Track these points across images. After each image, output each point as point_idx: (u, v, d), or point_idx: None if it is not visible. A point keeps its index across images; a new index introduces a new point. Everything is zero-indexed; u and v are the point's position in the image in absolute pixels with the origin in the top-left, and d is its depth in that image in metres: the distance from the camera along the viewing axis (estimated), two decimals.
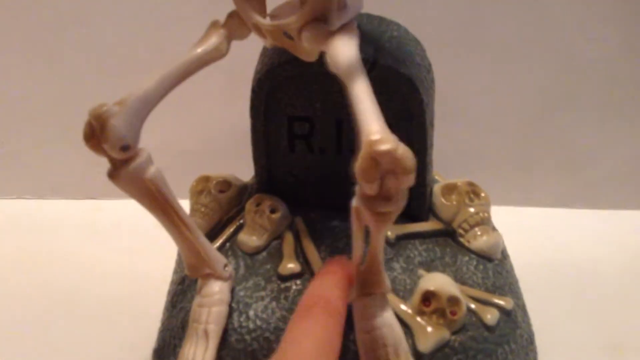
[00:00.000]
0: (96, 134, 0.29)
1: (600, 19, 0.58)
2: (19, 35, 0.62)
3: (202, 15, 0.58)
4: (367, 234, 0.29)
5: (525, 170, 0.62)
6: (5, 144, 0.65)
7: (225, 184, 0.42)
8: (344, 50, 0.29)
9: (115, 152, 0.29)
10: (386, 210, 0.27)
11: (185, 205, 0.36)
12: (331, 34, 0.31)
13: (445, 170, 0.48)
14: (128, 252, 0.55)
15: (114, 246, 0.56)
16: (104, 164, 0.64)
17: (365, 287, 0.31)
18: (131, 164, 0.30)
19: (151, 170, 0.31)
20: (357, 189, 0.27)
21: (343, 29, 0.31)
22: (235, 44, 0.34)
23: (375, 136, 0.26)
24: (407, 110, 0.36)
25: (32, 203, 0.64)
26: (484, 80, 0.60)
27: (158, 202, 0.32)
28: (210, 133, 0.63)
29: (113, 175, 0.30)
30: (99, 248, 0.56)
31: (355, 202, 0.28)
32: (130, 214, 0.47)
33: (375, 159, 0.26)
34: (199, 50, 0.32)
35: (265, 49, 0.39)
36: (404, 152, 0.26)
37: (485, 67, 0.60)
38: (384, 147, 0.26)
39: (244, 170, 0.44)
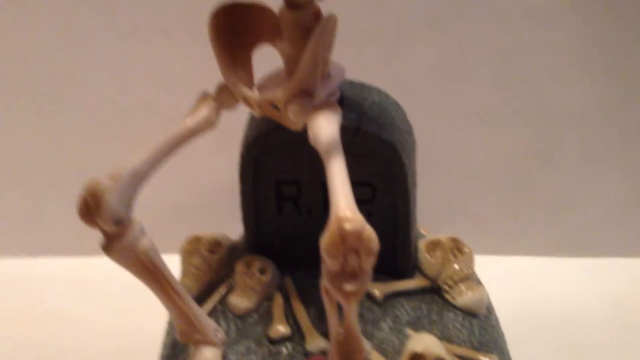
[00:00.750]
0: (91, 209, 0.30)
1: (577, 75, 0.60)
2: (13, 94, 0.63)
3: (193, 75, 0.60)
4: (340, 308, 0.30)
5: (509, 219, 0.63)
6: None
7: (215, 244, 0.43)
8: (324, 129, 0.30)
9: (110, 226, 0.30)
10: (351, 290, 0.28)
11: (175, 260, 0.36)
12: (315, 108, 0.32)
13: (431, 220, 0.49)
14: (119, 310, 0.55)
15: (105, 304, 0.56)
16: None
17: (347, 358, 0.31)
18: (124, 236, 0.31)
19: (144, 242, 0.31)
20: (322, 267, 0.28)
21: (326, 104, 0.32)
22: None
23: (343, 214, 0.27)
24: (390, 173, 0.37)
25: (22, 261, 0.63)
26: (467, 133, 0.61)
27: (150, 272, 0.32)
28: (200, 187, 0.64)
29: (107, 248, 0.31)
30: (90, 305, 0.56)
31: (323, 282, 0.29)
32: (121, 272, 0.48)
33: (342, 236, 0.27)
34: (190, 122, 0.33)
35: (252, 115, 0.40)
36: (370, 233, 0.27)
37: (467, 121, 0.61)
38: (351, 226, 0.27)
39: (234, 224, 0.44)
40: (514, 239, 0.63)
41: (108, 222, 0.30)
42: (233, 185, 0.41)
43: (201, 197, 0.63)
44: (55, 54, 0.61)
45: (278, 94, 0.32)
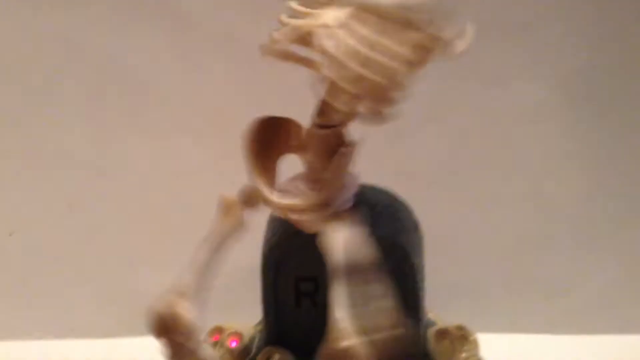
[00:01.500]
0: (169, 327, 0.33)
1: (570, 165, 0.64)
2: (39, 184, 0.66)
3: (212, 168, 0.63)
4: None
5: (510, 299, 0.65)
6: (25, 285, 0.67)
7: (236, 335, 0.45)
8: (336, 248, 0.34)
9: (186, 340, 0.33)
10: None
11: None
12: (331, 216, 0.35)
13: (437, 302, 0.51)
14: None
15: None
16: (118, 303, 0.66)
17: None
18: (190, 344, 0.34)
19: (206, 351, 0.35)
20: None
21: (341, 213, 0.35)
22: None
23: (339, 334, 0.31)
24: (401, 272, 0.39)
25: (51, 343, 0.65)
26: (469, 219, 0.64)
27: None
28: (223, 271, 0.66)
29: (174, 356, 0.34)
30: None
31: None
32: (145, 351, 0.50)
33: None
34: (225, 229, 0.36)
35: (274, 215, 0.43)
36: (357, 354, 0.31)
37: (468, 207, 0.64)
38: (345, 343, 0.30)
39: (254, 307, 0.46)
40: (515, 317, 0.64)
41: (183, 336, 0.33)
42: (253, 269, 0.44)
43: (224, 279, 0.66)
44: (84, 149, 0.65)
45: (297, 202, 0.35)
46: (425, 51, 0.32)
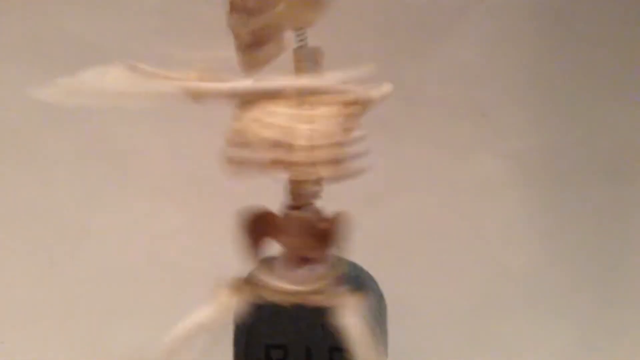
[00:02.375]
0: None
1: (524, 236, 0.66)
2: (23, 241, 0.66)
3: (192, 230, 0.65)
4: None
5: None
6: (4, 339, 0.66)
7: None
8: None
9: None
10: None
11: None
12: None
13: None
14: None
15: None
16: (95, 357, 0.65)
17: None
18: None
19: None
20: None
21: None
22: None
23: None
24: None
25: None
26: (433, 287, 0.65)
27: None
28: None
29: None
30: None
31: None
32: None
33: None
34: (210, 312, 0.38)
35: None
36: None
37: (431, 279, 0.65)
38: None
39: None
40: None
41: None
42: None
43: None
44: (69, 211, 0.65)
45: (303, 288, 0.37)
46: (354, 109, 0.35)
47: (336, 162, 0.35)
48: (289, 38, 0.36)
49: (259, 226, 0.39)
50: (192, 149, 0.65)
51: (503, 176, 0.66)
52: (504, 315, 0.66)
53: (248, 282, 0.39)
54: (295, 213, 0.38)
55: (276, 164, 0.34)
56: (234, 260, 0.48)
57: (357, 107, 0.35)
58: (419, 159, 0.65)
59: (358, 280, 0.44)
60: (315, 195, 0.38)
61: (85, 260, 0.66)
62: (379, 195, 0.64)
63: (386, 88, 0.36)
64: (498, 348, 0.66)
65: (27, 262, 0.66)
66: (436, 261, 0.66)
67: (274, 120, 0.34)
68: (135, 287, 0.66)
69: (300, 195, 0.38)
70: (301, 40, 0.36)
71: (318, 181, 0.37)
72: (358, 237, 0.53)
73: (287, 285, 0.38)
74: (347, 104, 0.35)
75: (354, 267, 0.46)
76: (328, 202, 0.39)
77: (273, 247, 0.40)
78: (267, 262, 0.39)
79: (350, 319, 0.36)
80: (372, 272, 0.48)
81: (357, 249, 0.47)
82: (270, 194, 0.39)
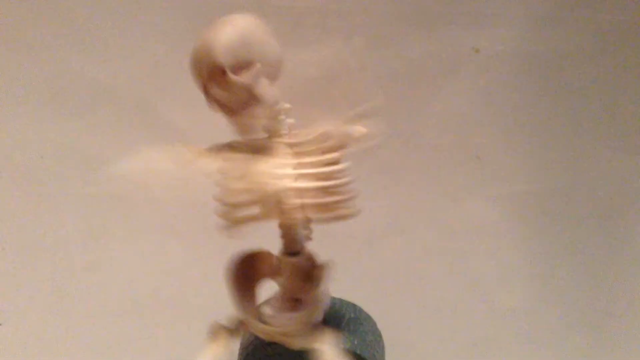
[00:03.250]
0: None
1: (518, 276, 0.67)
2: (32, 276, 0.67)
3: (195, 266, 0.66)
4: None
5: None
6: None
7: None
8: None
9: None
10: None
11: None
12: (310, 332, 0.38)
13: None
14: None
15: None
16: None
17: None
18: None
19: None
20: None
21: (318, 330, 0.39)
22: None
23: None
24: None
25: None
26: (429, 325, 0.67)
27: None
28: None
29: None
30: None
31: None
32: None
33: None
34: (212, 354, 0.40)
35: None
36: None
37: (425, 313, 0.66)
38: None
39: None
40: None
41: None
42: None
43: None
44: (77, 247, 0.67)
45: (285, 329, 0.39)
46: (341, 148, 0.37)
47: (323, 206, 0.36)
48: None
49: (255, 266, 0.40)
50: (196, 191, 0.67)
51: (497, 218, 0.67)
52: (499, 354, 0.67)
53: (242, 322, 0.40)
54: (289, 259, 0.39)
55: (266, 215, 0.36)
56: None
57: (338, 150, 0.37)
58: (417, 201, 0.66)
59: (356, 321, 0.45)
60: (306, 238, 0.40)
61: (92, 294, 0.67)
62: (377, 236, 0.65)
63: (362, 128, 0.38)
64: None
65: (36, 295, 0.67)
66: (433, 301, 0.67)
67: (259, 175, 0.36)
68: (140, 322, 0.67)
69: (293, 240, 0.40)
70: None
71: (307, 225, 0.39)
72: (357, 276, 0.55)
73: (271, 327, 0.39)
74: (328, 149, 0.37)
75: (353, 308, 0.47)
76: (328, 241, 0.41)
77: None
78: (263, 302, 0.41)
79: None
80: (370, 311, 0.49)
81: (357, 288, 0.49)
82: (273, 234, 0.41)
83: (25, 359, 0.67)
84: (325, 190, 0.36)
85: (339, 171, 0.37)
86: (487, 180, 0.67)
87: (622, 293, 0.68)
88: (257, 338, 0.44)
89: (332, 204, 0.37)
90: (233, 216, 0.37)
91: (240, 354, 0.44)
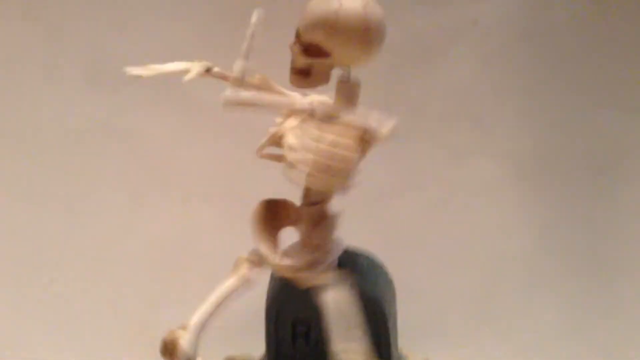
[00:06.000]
0: (170, 351, 0.40)
1: (517, 228, 0.71)
2: (77, 239, 0.72)
3: (221, 226, 0.70)
4: None
5: (469, 337, 0.70)
6: (62, 322, 0.72)
7: None
8: (326, 299, 0.42)
9: None
10: None
11: None
12: (320, 274, 0.43)
13: (409, 341, 0.56)
14: None
15: None
16: (139, 338, 0.70)
17: None
18: None
19: None
20: None
21: (329, 272, 0.43)
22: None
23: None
24: (375, 319, 0.46)
25: None
26: (436, 273, 0.71)
27: None
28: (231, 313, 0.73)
29: None
30: None
31: None
32: None
33: None
34: (232, 282, 0.43)
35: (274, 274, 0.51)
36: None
37: (435, 264, 0.70)
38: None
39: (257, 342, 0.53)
40: (473, 352, 0.69)
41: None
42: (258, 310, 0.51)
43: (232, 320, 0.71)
44: (116, 211, 0.72)
45: (293, 263, 0.43)
46: (365, 142, 0.41)
47: (324, 181, 0.41)
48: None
49: (278, 214, 0.44)
50: (225, 156, 0.71)
51: (498, 175, 0.70)
52: (502, 299, 0.71)
53: (260, 257, 0.44)
54: (308, 208, 0.43)
55: (293, 167, 0.41)
56: None
57: (368, 142, 0.41)
58: (423, 161, 0.70)
59: (368, 267, 0.49)
60: (324, 198, 0.44)
61: (129, 253, 0.72)
62: (388, 193, 0.69)
63: (391, 128, 0.42)
64: (497, 328, 0.70)
65: (80, 257, 0.72)
66: (440, 251, 0.70)
67: (300, 133, 0.40)
68: (172, 277, 0.72)
69: (310, 196, 0.44)
70: (345, 74, 0.42)
71: (322, 190, 0.43)
72: (369, 230, 0.58)
73: (279, 261, 0.43)
74: (361, 138, 0.41)
75: (366, 256, 0.50)
76: (342, 198, 0.44)
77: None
78: (289, 247, 0.45)
79: (330, 295, 0.41)
80: (383, 261, 0.52)
81: (368, 241, 0.52)
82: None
83: (73, 315, 0.72)
84: (329, 168, 0.40)
85: (348, 158, 0.40)
86: (488, 141, 0.70)
87: (616, 241, 0.71)
88: (280, 284, 0.48)
89: (333, 181, 0.41)
90: (270, 154, 0.43)
91: (268, 297, 0.49)
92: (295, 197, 0.45)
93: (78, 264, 0.73)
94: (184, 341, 0.40)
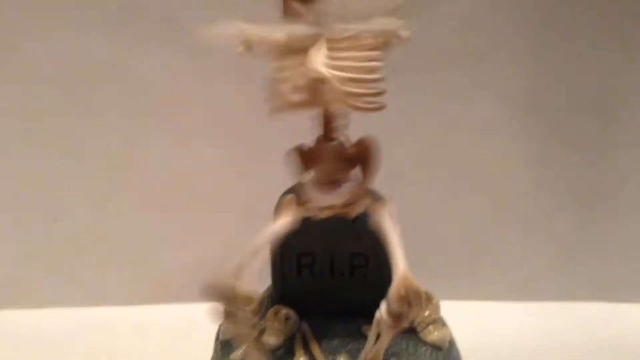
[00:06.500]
0: (229, 296, 0.40)
1: (515, 166, 0.71)
2: (79, 178, 0.72)
3: (222, 164, 0.70)
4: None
5: (468, 273, 0.72)
6: (66, 262, 0.74)
7: (249, 299, 0.53)
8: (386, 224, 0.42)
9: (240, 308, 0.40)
10: (403, 325, 0.39)
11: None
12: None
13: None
14: (174, 349, 0.63)
15: (159, 345, 0.65)
16: (144, 276, 0.72)
17: None
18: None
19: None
20: (383, 306, 0.39)
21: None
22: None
23: (406, 274, 0.39)
24: (379, 247, 0.44)
25: (87, 310, 0.72)
26: (435, 207, 0.72)
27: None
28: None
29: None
30: (147, 347, 0.65)
31: (379, 315, 0.39)
32: (170, 318, 0.56)
33: (406, 289, 0.38)
34: (284, 222, 0.43)
35: None
36: (420, 291, 0.38)
37: (435, 197, 0.71)
38: (413, 284, 0.38)
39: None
40: (472, 287, 0.72)
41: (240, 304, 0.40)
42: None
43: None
44: (118, 150, 0.72)
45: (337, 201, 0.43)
46: (385, 45, 0.39)
47: (363, 96, 0.38)
48: None
49: (304, 158, 0.43)
50: (226, 93, 0.70)
51: (498, 113, 0.70)
52: (497, 233, 0.72)
53: (306, 198, 0.43)
54: (329, 144, 0.42)
55: (311, 102, 0.38)
56: (260, 190, 0.53)
57: (382, 48, 0.39)
58: (423, 100, 0.69)
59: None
60: (343, 127, 0.43)
61: (131, 191, 0.73)
62: (388, 133, 0.68)
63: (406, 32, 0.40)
64: (494, 264, 0.72)
65: (82, 195, 0.73)
66: (438, 188, 0.71)
67: (310, 62, 0.38)
68: (174, 215, 0.73)
69: (330, 128, 0.42)
70: None
71: (346, 114, 0.42)
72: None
73: (326, 202, 0.42)
74: (374, 46, 0.39)
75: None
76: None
77: None
78: (300, 186, 0.44)
79: (382, 222, 0.41)
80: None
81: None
82: (294, 133, 0.44)
83: (77, 247, 0.73)
84: (356, 82, 0.38)
85: (372, 68, 0.38)
86: (489, 79, 0.69)
87: (614, 179, 0.72)
88: None
89: (370, 95, 0.38)
90: (278, 98, 0.39)
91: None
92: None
93: (81, 203, 0.73)
94: (245, 285, 0.40)
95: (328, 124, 0.43)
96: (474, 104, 0.70)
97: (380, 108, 0.39)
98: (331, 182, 0.43)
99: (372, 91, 0.38)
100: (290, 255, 0.50)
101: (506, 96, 0.70)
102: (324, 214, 0.44)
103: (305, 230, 0.47)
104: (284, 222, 0.43)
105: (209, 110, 0.71)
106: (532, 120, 0.71)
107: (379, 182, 0.52)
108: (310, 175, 0.44)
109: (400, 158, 0.70)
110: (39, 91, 0.70)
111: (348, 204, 0.43)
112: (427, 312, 0.51)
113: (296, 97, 0.38)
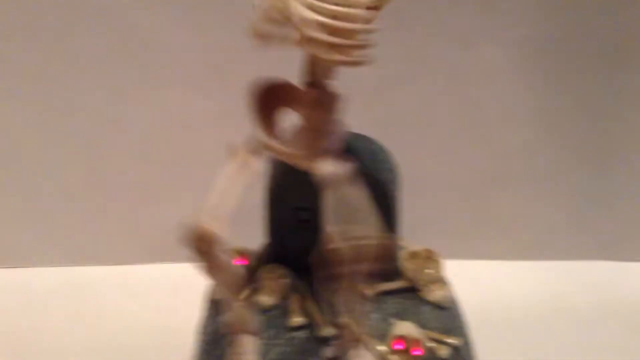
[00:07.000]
0: (206, 241, 0.38)
1: (521, 118, 0.69)
2: (64, 133, 0.70)
3: (212, 116, 0.67)
4: None
5: (471, 231, 0.71)
6: (53, 220, 0.72)
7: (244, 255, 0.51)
8: (327, 176, 0.39)
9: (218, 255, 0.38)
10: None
11: None
12: (323, 156, 0.40)
13: (409, 233, 0.56)
14: (161, 309, 0.63)
15: (147, 304, 0.64)
16: (130, 234, 0.70)
17: None
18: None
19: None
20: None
21: (331, 154, 0.40)
22: None
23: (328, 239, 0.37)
24: (380, 204, 0.43)
25: (74, 270, 0.70)
26: (438, 161, 0.70)
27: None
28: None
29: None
30: (134, 306, 0.64)
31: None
32: (157, 277, 0.54)
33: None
34: (231, 169, 0.40)
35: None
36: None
37: (437, 152, 0.70)
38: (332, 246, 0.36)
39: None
40: (475, 246, 0.71)
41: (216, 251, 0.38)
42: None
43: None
44: (100, 101, 0.69)
45: (296, 149, 0.40)
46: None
47: (354, 47, 0.36)
48: None
49: (277, 95, 0.41)
50: (216, 41, 0.67)
51: (504, 62, 0.68)
52: (502, 189, 0.70)
53: (258, 144, 0.41)
54: (311, 90, 0.40)
55: (300, 41, 0.36)
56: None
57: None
58: (426, 48, 0.66)
59: (373, 150, 0.47)
60: (330, 75, 0.40)
61: (117, 146, 0.70)
62: (390, 81, 0.66)
63: None
64: (495, 218, 0.71)
65: (70, 153, 0.71)
66: (443, 141, 0.69)
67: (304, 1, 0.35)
68: (162, 170, 0.71)
69: (317, 73, 0.39)
70: None
71: (334, 62, 0.39)
72: (371, 120, 0.56)
73: (283, 147, 0.40)
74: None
75: (370, 141, 0.48)
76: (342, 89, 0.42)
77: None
78: (280, 130, 0.42)
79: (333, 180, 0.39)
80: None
81: (371, 131, 0.51)
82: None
83: (63, 205, 0.71)
84: (340, 31, 0.35)
85: (358, 16, 0.35)
86: (494, 27, 0.67)
87: (620, 132, 0.70)
88: (282, 168, 0.46)
89: (345, 47, 0.36)
90: (268, 33, 0.36)
91: (269, 182, 0.47)
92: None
93: (66, 161, 0.71)
94: (220, 231, 0.38)
95: (315, 69, 0.40)
96: (481, 53, 0.68)
97: (363, 63, 0.36)
98: (314, 130, 0.40)
99: (356, 43, 0.36)
100: (286, 210, 0.47)
101: (514, 45, 0.68)
102: (285, 160, 0.41)
103: (301, 182, 0.45)
104: (231, 170, 0.40)
105: (198, 58, 0.68)
106: (538, 71, 0.69)
107: (379, 132, 0.50)
108: (278, 116, 0.41)
109: (402, 107, 0.68)
110: (17, 43, 0.67)
111: (308, 153, 0.40)
112: (429, 271, 0.49)
113: (267, 28, 0.36)
